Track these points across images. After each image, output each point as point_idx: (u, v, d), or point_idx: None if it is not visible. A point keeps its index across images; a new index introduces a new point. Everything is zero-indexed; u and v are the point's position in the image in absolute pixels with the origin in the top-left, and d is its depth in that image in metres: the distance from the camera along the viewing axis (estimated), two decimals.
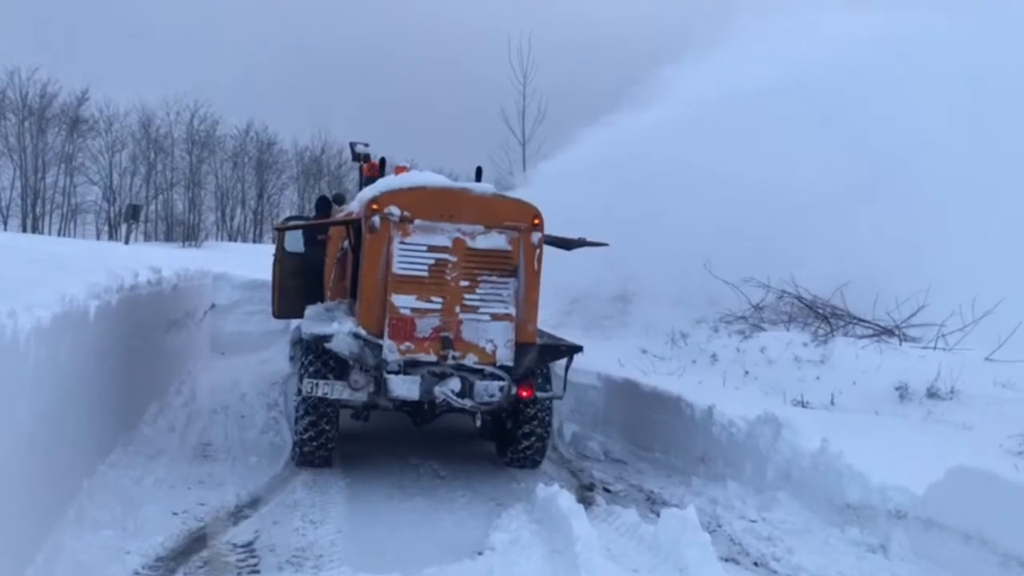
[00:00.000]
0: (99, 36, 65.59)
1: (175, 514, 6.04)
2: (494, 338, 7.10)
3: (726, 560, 5.65)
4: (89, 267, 7.93)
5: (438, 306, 7.02)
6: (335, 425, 7.59)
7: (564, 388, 8.00)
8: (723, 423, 7.68)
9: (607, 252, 9.87)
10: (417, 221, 7.08)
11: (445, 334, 6.99)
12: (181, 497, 6.44)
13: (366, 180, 10.46)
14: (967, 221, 12.75)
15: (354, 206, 8.39)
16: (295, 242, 11.11)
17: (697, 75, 15.94)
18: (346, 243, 8.78)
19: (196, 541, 5.57)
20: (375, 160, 10.97)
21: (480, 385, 6.99)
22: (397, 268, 7.02)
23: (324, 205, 11.71)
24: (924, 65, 14.20)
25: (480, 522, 6.19)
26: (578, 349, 7.78)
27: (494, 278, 7.17)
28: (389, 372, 6.89)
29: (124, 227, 38.10)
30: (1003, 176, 13.11)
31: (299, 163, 58.43)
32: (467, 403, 7.00)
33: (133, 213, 27.92)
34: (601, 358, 10.22)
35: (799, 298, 12.79)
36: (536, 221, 7.34)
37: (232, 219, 54.17)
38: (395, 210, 7.07)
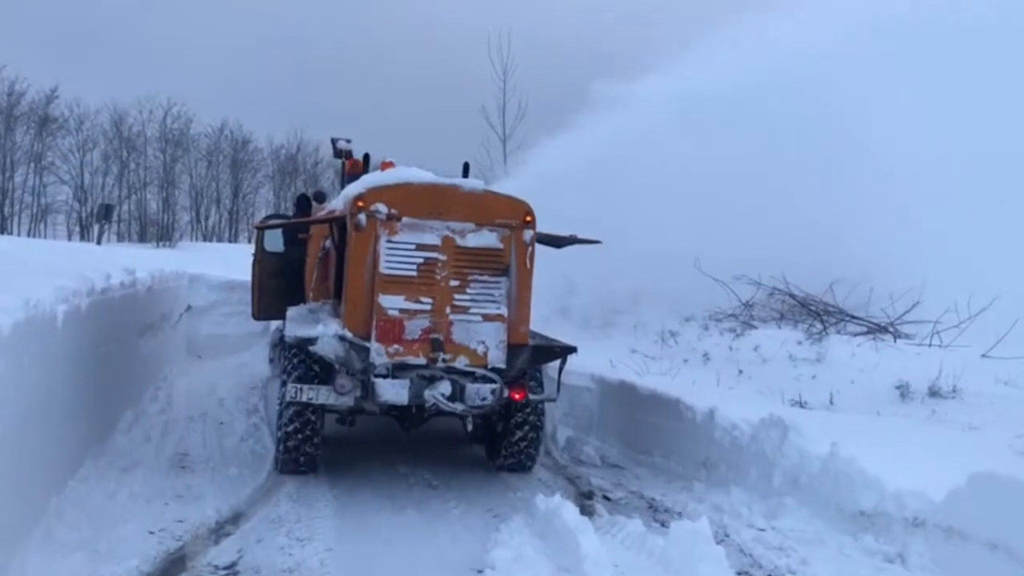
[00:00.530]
0: (68, 34, 64.44)
1: (151, 533, 5.64)
2: (485, 339, 6.85)
3: (739, 574, 5.36)
4: (58, 269, 7.51)
5: (427, 307, 6.76)
6: (320, 431, 7.32)
7: (558, 390, 7.77)
8: (726, 426, 7.40)
9: (591, 250, 9.56)
10: (405, 219, 6.82)
11: (435, 336, 6.74)
12: (158, 513, 6.05)
13: (348, 177, 10.15)
14: (958, 217, 12.60)
15: (338, 203, 8.08)
16: (275, 241, 10.76)
17: (677, 71, 15.71)
18: (328, 242, 8.51)
19: (174, 563, 5.19)
20: (357, 156, 10.64)
21: (471, 388, 6.74)
22: (384, 268, 6.76)
23: (305, 203, 11.40)
24: (914, 59, 14.02)
25: (477, 536, 5.86)
26: (572, 350, 7.53)
27: (485, 277, 6.92)
28: (377, 376, 6.65)
29: (96, 227, 37.30)
30: (991, 172, 13.00)
31: (274, 161, 57.89)
32: (458, 407, 6.76)
33: (105, 213, 27.22)
34: (590, 358, 9.90)
35: (791, 295, 12.58)
36: (528, 218, 7.10)
37: (207, 219, 53.52)
38: (382, 207, 6.80)
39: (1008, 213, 12.34)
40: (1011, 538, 5.03)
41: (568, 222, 8.84)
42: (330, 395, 6.85)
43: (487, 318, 6.87)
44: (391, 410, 7.15)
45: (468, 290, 6.87)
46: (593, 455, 8.53)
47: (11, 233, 40.94)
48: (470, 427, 7.45)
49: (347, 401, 6.88)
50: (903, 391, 9.07)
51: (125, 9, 72.69)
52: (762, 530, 6.29)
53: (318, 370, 7.09)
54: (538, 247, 7.33)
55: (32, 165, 45.26)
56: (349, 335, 6.66)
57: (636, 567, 5.16)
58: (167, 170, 50.84)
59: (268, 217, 18.01)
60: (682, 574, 4.90)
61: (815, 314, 12.28)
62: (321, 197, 11.81)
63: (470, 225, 6.89)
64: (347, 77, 76.06)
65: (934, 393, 8.91)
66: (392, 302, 6.70)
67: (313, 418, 7.16)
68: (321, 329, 6.71)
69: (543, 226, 7.53)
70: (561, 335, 8.33)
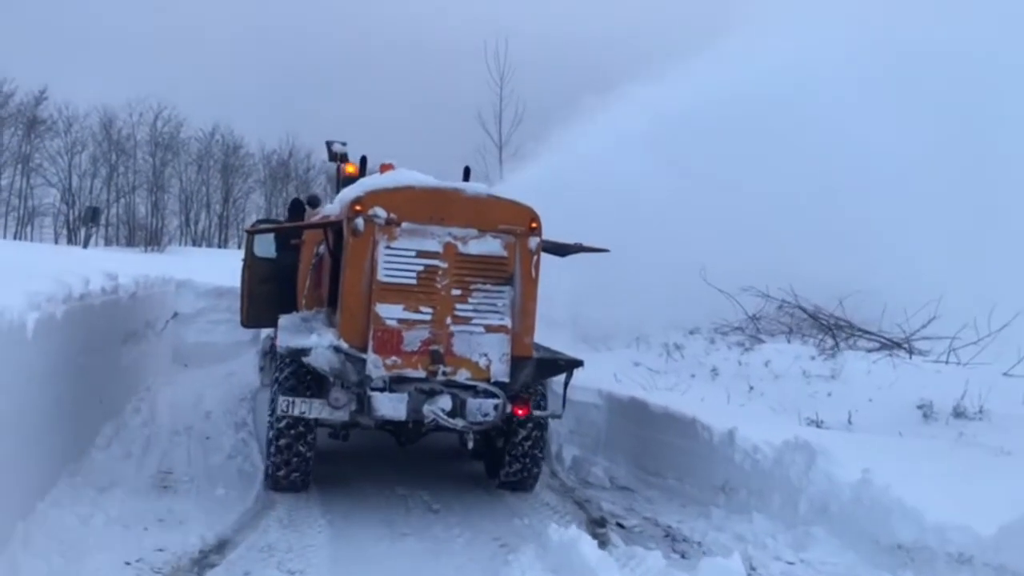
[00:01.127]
0: (57, 35, 63.84)
1: (128, 564, 5.13)
2: (488, 352, 6.50)
3: None
4: (34, 273, 7.02)
5: (427, 317, 6.41)
6: (312, 446, 6.91)
7: (563, 406, 7.36)
8: (747, 449, 6.94)
9: (589, 260, 9.12)
10: (404, 224, 6.49)
11: (435, 347, 6.39)
12: (136, 541, 5.53)
13: (344, 181, 9.76)
14: (972, 231, 12.29)
15: (334, 207, 7.69)
16: (266, 246, 10.30)
17: (678, 80, 15.41)
18: (322, 248, 8.17)
19: None
20: (354, 160, 10.25)
21: (473, 403, 6.39)
22: (382, 275, 6.41)
23: (297, 208, 11.06)
24: (922, 71, 13.73)
25: (484, 568, 5.41)
26: (579, 364, 7.20)
27: (488, 286, 6.58)
28: (373, 389, 6.29)
29: (83, 231, 36.69)
30: (1003, 185, 12.66)
31: (266, 166, 57.53)
32: (458, 423, 6.41)
33: (92, 216, 26.72)
34: (592, 372, 9.44)
35: (802, 308, 12.17)
36: (534, 224, 6.77)
37: (196, 223, 52.98)
38: (380, 212, 6.46)
39: (1020, 225, 12.04)
40: None
41: (568, 232, 8.44)
42: (324, 409, 6.52)
43: (490, 329, 6.53)
44: (387, 424, 6.80)
45: (470, 300, 6.53)
46: (602, 476, 8.06)
47: None
48: (471, 444, 7.03)
49: (342, 416, 6.54)
50: (926, 411, 8.65)
51: (115, 11, 72.12)
52: (791, 563, 5.84)
53: (311, 382, 6.73)
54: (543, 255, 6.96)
55: (19, 167, 44.66)
56: (345, 346, 6.32)
57: None
58: (157, 174, 50.35)
59: (259, 222, 17.51)
60: None
61: (826, 328, 11.88)
62: (315, 201, 11.44)
63: (473, 231, 6.58)
64: (340, 82, 75.69)
65: (959, 414, 8.49)
66: (390, 311, 6.36)
67: (305, 433, 6.78)
68: (315, 339, 6.37)
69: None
70: (559, 348, 7.92)
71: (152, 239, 43.04)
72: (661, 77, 15.88)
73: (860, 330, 11.75)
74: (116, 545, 5.40)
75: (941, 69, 13.47)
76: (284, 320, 7.60)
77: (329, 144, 10.76)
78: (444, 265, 6.47)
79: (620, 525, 6.67)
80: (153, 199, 49.79)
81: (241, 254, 11.56)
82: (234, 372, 13.36)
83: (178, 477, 7.29)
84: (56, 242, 43.36)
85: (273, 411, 6.77)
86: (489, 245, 6.60)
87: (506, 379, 6.53)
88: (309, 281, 8.72)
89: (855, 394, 9.26)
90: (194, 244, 47.49)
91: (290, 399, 6.54)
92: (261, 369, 12.25)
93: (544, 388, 7.70)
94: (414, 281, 6.42)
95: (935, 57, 13.60)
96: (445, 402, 6.35)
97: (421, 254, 6.45)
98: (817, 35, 15.01)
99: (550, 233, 7.59)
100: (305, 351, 6.26)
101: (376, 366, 6.28)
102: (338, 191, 9.50)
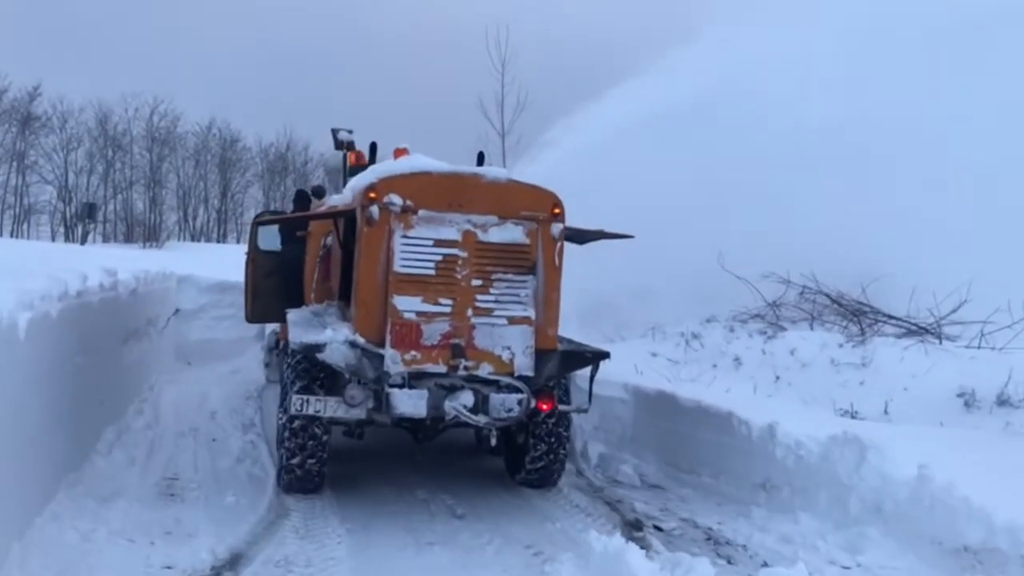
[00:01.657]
0: (50, 30, 63.19)
1: None
2: (511, 344, 6.20)
3: None
4: (29, 270, 6.61)
5: (447, 309, 6.10)
6: (327, 447, 6.58)
7: (589, 400, 7.01)
8: (789, 444, 6.53)
9: (602, 247, 8.71)
10: (421, 211, 6.16)
11: (455, 341, 6.09)
12: (142, 557, 5.12)
13: (351, 170, 9.37)
14: (1004, 210, 11.86)
15: (345, 196, 7.28)
16: (271, 239, 9.90)
17: (687, 65, 15.06)
18: (330, 239, 7.85)
19: None
20: (361, 148, 9.85)
21: (496, 399, 6.09)
22: (399, 266, 6.07)
23: (303, 199, 10.72)
24: (927, 49, 13.31)
25: None
26: (605, 355, 6.89)
27: (510, 276, 6.27)
28: (391, 386, 5.97)
29: (80, 227, 36.24)
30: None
31: (264, 160, 57.01)
32: (481, 420, 6.13)
33: (89, 212, 26.28)
34: (611, 364, 9.08)
35: (827, 295, 11.75)
36: (557, 210, 6.46)
37: (195, 219, 52.53)
38: (396, 199, 6.14)
39: None
40: None
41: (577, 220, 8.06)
42: (339, 407, 6.18)
43: (513, 321, 6.22)
44: (403, 422, 6.45)
45: (492, 290, 6.21)
46: (631, 474, 7.65)
47: None
48: (494, 442, 6.73)
49: (358, 414, 6.21)
50: (968, 399, 8.27)
51: (108, 4, 71.29)
52: (847, 567, 5.44)
53: (324, 379, 6.39)
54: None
55: (14, 164, 44.15)
56: (361, 341, 6.01)
57: None
58: (154, 169, 49.85)
59: (263, 213, 17.15)
60: None
61: (851, 314, 11.46)
62: (320, 192, 11.05)
63: (493, 218, 6.26)
64: (337, 72, 74.94)
65: (1003, 402, 8.12)
66: (408, 304, 6.05)
67: (320, 433, 6.47)
68: (329, 335, 6.03)
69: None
70: (571, 337, 7.55)
71: (150, 235, 42.57)
72: (670, 61, 15.52)
73: (886, 315, 11.34)
74: (121, 563, 5.00)
75: (976, 38, 13.05)
76: (294, 315, 7.28)
77: (335, 132, 10.36)
78: (464, 254, 6.17)
79: (658, 528, 6.25)
80: (151, 195, 49.29)
81: (242, 248, 11.21)
82: (239, 369, 12.97)
83: (185, 484, 6.88)
84: (53, 240, 42.86)
85: (285, 410, 6.43)
86: (510, 232, 6.31)
87: (530, 373, 6.23)
88: (317, 274, 8.43)
89: (889, 383, 8.89)
90: (193, 239, 47.03)
91: (304, 398, 6.20)
92: (266, 365, 11.91)
93: (567, 382, 7.38)
94: (432, 271, 6.12)
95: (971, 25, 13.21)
96: (467, 398, 6.07)
97: (439, 243, 6.14)
98: (841, 7, 14.64)
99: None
100: (319, 347, 5.94)
101: (394, 361, 5.98)
102: (345, 181, 9.16)
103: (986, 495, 5.23)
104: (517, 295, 6.27)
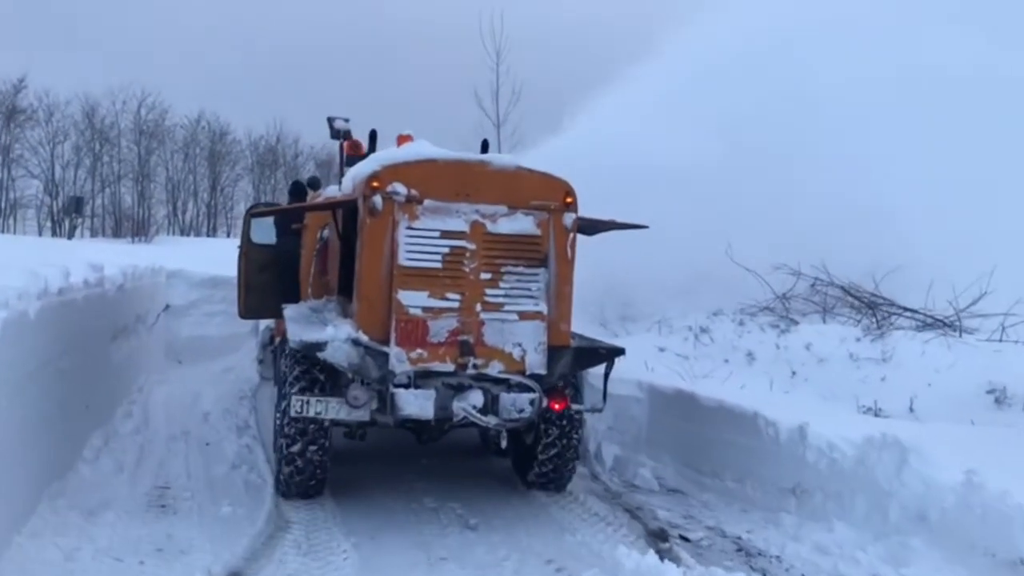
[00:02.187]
0: (35, 21, 62.32)
1: None
2: (522, 341, 5.92)
3: None
4: (5, 266, 6.15)
5: (455, 304, 5.82)
6: (328, 450, 6.25)
7: (604, 399, 6.69)
8: (820, 446, 6.14)
9: (604, 239, 8.34)
10: (427, 201, 5.83)
11: (464, 338, 5.82)
12: None
13: (348, 160, 8.98)
14: (1020, 199, 11.53)
15: (345, 185, 6.90)
16: (265, 232, 9.48)
17: (692, 50, 14.67)
18: (327, 231, 7.51)
19: None
20: (358, 137, 9.44)
21: (506, 399, 5.82)
22: (404, 259, 5.77)
23: (299, 190, 10.34)
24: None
25: None
26: (620, 352, 6.60)
27: (521, 269, 5.96)
28: (397, 386, 5.68)
29: (67, 222, 35.62)
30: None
31: (253, 153, 56.45)
32: (491, 421, 5.84)
33: (76, 206, 25.74)
34: (621, 360, 8.75)
35: (841, 287, 11.38)
36: (569, 199, 6.15)
37: (184, 213, 51.92)
38: (400, 188, 5.83)
39: None
40: None
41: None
42: (341, 409, 5.87)
43: (523, 316, 5.93)
44: (408, 422, 6.14)
45: (501, 284, 5.92)
46: (649, 478, 7.27)
47: None
48: (504, 444, 6.37)
49: (361, 415, 5.91)
50: (998, 396, 7.91)
51: None
52: None
53: (324, 379, 6.07)
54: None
55: (0, 158, 43.41)
56: (364, 339, 5.70)
57: None
58: (142, 163, 49.22)
59: (257, 204, 16.68)
60: None
61: (866, 307, 11.10)
62: (316, 183, 10.67)
63: (502, 208, 5.96)
64: (328, 63, 74.25)
65: None
66: (413, 299, 5.76)
67: (320, 435, 6.13)
68: (331, 332, 5.73)
69: None
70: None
71: (139, 229, 41.94)
72: (673, 45, 15.13)
73: (901, 308, 10.99)
74: None
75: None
76: (291, 311, 6.91)
77: (331, 120, 9.91)
78: (472, 246, 5.86)
79: (684, 538, 5.86)
80: (139, 188, 48.66)
81: (234, 241, 10.80)
82: (232, 367, 12.53)
83: (177, 493, 6.45)
84: (40, 234, 42.18)
85: (284, 412, 6.07)
86: (521, 223, 5.99)
87: (542, 371, 5.91)
88: (314, 268, 8.06)
89: (911, 378, 8.51)
90: (182, 234, 46.48)
91: (304, 399, 5.89)
92: (260, 362, 11.55)
93: (579, 380, 7.08)
94: (439, 265, 5.81)
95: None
96: (476, 398, 5.79)
97: (446, 234, 5.83)
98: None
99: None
100: (321, 345, 5.65)
101: (400, 360, 5.68)
102: (342, 171, 8.78)
103: None
104: (528, 289, 5.98)
